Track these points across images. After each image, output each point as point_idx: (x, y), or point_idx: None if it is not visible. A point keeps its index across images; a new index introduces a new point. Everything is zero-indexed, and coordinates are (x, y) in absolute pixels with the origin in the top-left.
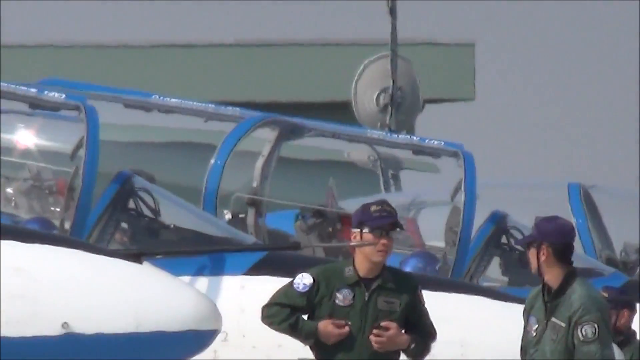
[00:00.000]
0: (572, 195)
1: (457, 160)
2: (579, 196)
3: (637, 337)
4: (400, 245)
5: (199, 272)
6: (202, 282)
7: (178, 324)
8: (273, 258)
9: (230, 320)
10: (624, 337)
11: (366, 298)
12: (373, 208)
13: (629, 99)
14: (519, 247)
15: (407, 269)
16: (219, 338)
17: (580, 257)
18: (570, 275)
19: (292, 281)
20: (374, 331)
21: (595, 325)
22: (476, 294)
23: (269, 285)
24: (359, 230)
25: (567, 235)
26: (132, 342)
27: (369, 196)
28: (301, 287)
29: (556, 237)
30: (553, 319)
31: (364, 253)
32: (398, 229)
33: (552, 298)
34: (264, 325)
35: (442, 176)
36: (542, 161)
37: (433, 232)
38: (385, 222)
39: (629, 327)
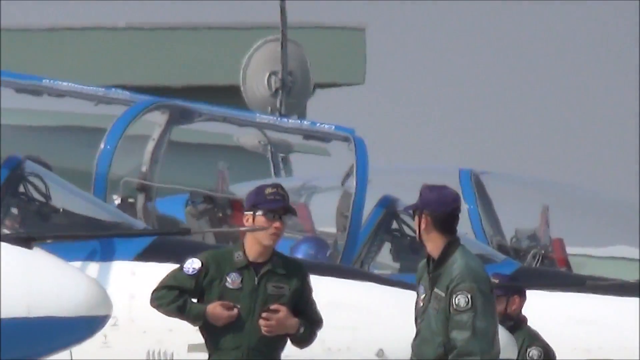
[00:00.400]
0: (462, 181)
1: (348, 145)
2: (469, 182)
3: (527, 323)
4: (290, 230)
5: (89, 257)
6: (93, 268)
7: (69, 309)
8: (163, 243)
9: (120, 305)
10: (514, 322)
11: (255, 282)
12: (267, 191)
13: (522, 76)
14: (409, 233)
15: (298, 254)
16: (109, 323)
17: (471, 243)
18: (452, 244)
19: (181, 265)
20: (263, 314)
21: (469, 295)
22: (365, 280)
23: (159, 271)
24: (251, 212)
25: (448, 204)
26: (22, 327)
27: (259, 180)
28: (190, 270)
29: (437, 206)
30: (435, 289)
31: (255, 236)
32: (290, 214)
33: (434, 268)
34: (153, 308)
35: (333, 160)
36: (433, 146)
37: (324, 217)
38: (278, 205)
39: (519, 313)
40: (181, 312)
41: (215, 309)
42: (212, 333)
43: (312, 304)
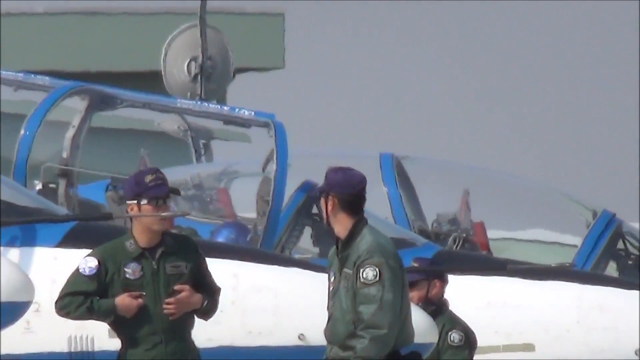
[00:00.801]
0: (383, 166)
1: (269, 130)
2: (390, 166)
3: (449, 307)
4: (211, 215)
5: (10, 243)
6: (14, 253)
7: None
8: (85, 228)
9: (42, 291)
10: (436, 307)
11: (155, 266)
12: (148, 178)
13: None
14: None
15: (219, 239)
16: (31, 309)
17: (392, 227)
18: (358, 224)
19: (77, 267)
20: (166, 300)
21: (377, 269)
22: (286, 265)
23: (81, 256)
24: (135, 202)
25: (354, 186)
26: None
27: (181, 165)
28: (87, 270)
29: (342, 188)
30: (344, 269)
31: (144, 223)
32: (173, 195)
33: (342, 249)
34: (61, 317)
35: (253, 146)
36: (353, 131)
37: (244, 202)
38: (163, 191)
39: (441, 297)
40: (91, 312)
41: (123, 300)
42: (125, 326)
43: (208, 275)
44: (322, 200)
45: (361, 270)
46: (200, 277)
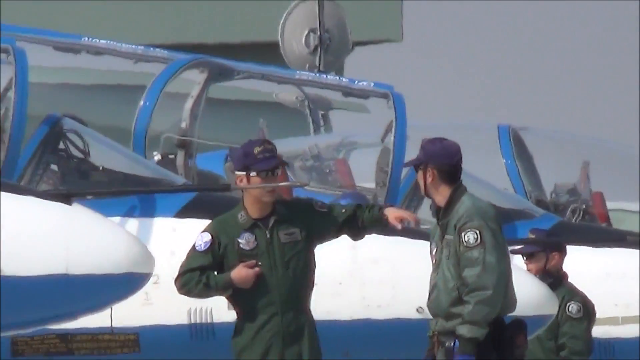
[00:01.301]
0: (501, 137)
1: (387, 102)
2: (508, 138)
3: (567, 279)
4: (330, 186)
5: (129, 213)
6: (133, 224)
7: (109, 266)
8: (203, 199)
9: (161, 262)
10: (554, 279)
11: (268, 236)
12: (256, 150)
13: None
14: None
15: None
16: (150, 281)
17: (510, 198)
18: (457, 190)
19: (193, 244)
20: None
21: (477, 231)
22: (404, 236)
23: (200, 227)
24: (244, 173)
25: (453, 156)
26: (62, 284)
27: (299, 137)
28: (203, 246)
29: (442, 159)
30: (446, 236)
31: (254, 195)
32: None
33: (442, 216)
34: (182, 295)
35: (372, 117)
36: (472, 102)
37: (363, 172)
38: (271, 164)
39: (559, 269)
40: (209, 288)
41: (240, 272)
42: (242, 299)
43: (336, 204)
44: (421, 173)
45: (462, 234)
46: (330, 214)
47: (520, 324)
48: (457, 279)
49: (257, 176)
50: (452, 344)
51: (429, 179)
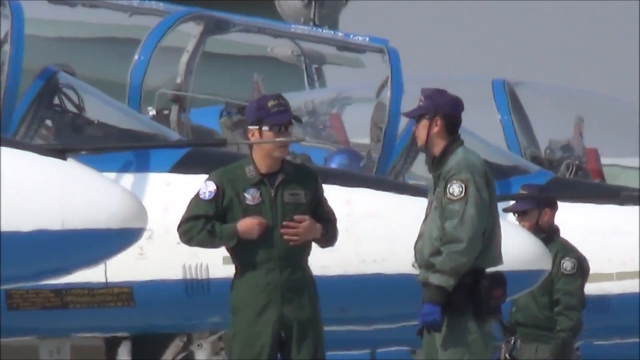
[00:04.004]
0: (496, 91)
1: (383, 56)
2: (503, 92)
3: (560, 234)
4: (324, 142)
5: (123, 168)
6: (127, 179)
7: (104, 221)
8: (198, 154)
9: (155, 217)
10: (547, 234)
11: (272, 194)
12: (270, 104)
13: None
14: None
15: (332, 165)
16: (144, 236)
17: (505, 154)
18: (453, 143)
19: (197, 193)
20: (284, 223)
21: (463, 185)
22: (400, 192)
23: (194, 182)
24: (257, 127)
25: (459, 107)
26: (57, 239)
27: (293, 91)
28: (207, 195)
29: (450, 109)
30: (437, 189)
31: (264, 149)
32: (295, 122)
33: (436, 168)
34: (184, 243)
35: (366, 72)
36: (466, 56)
37: (358, 128)
38: (285, 118)
39: (552, 224)
40: (213, 235)
41: (245, 222)
42: (241, 252)
43: (326, 204)
44: (425, 122)
45: (448, 185)
46: (319, 207)
47: (500, 278)
48: (440, 229)
49: (270, 130)
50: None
51: (435, 129)
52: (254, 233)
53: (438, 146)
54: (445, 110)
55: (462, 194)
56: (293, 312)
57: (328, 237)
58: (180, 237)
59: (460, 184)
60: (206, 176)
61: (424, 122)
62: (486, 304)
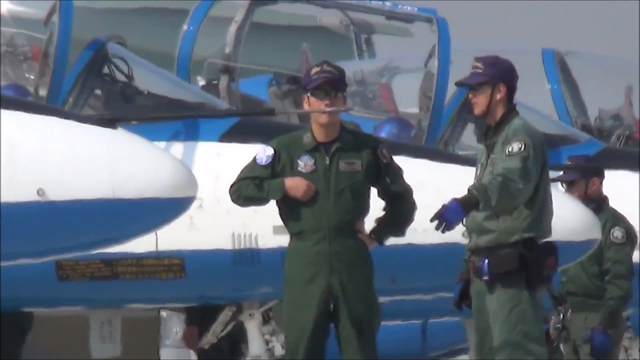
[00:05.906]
0: (546, 61)
1: (431, 26)
2: (553, 62)
3: (609, 203)
4: (373, 111)
5: (173, 138)
6: (177, 148)
7: (154, 190)
8: (247, 124)
9: (205, 186)
10: (596, 204)
11: (327, 162)
12: (313, 71)
13: None
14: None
15: (381, 134)
16: (194, 204)
17: (555, 123)
18: (511, 111)
19: (254, 157)
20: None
21: (522, 143)
22: (449, 162)
23: (244, 152)
24: (307, 95)
25: (517, 75)
26: (107, 208)
27: (342, 61)
28: (264, 159)
29: (511, 76)
30: (491, 156)
31: (313, 117)
32: (341, 88)
33: (492, 136)
34: (233, 202)
35: (415, 41)
36: (516, 27)
37: (407, 97)
38: (319, 81)
39: (600, 194)
40: (260, 189)
41: (294, 180)
42: (292, 221)
43: (393, 175)
44: (487, 89)
45: (507, 146)
46: (380, 176)
47: (552, 247)
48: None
49: (312, 96)
50: (482, 263)
51: (498, 96)
52: (300, 191)
53: (497, 114)
54: (508, 76)
55: (522, 150)
56: (341, 283)
57: (398, 220)
58: (230, 195)
59: (520, 142)
60: (255, 146)
61: (486, 89)
62: (538, 273)
